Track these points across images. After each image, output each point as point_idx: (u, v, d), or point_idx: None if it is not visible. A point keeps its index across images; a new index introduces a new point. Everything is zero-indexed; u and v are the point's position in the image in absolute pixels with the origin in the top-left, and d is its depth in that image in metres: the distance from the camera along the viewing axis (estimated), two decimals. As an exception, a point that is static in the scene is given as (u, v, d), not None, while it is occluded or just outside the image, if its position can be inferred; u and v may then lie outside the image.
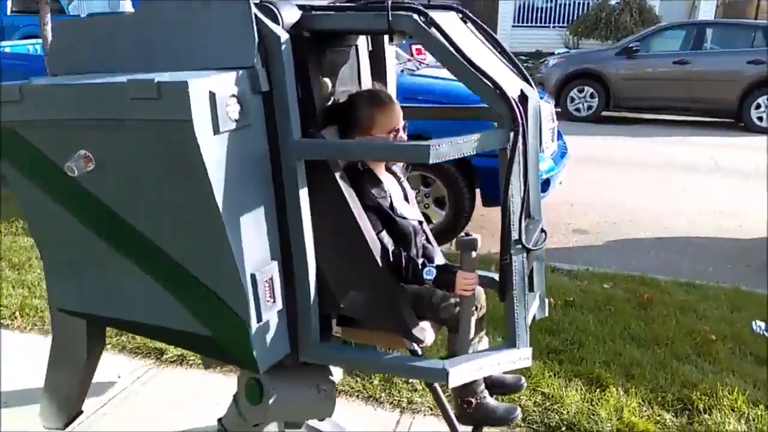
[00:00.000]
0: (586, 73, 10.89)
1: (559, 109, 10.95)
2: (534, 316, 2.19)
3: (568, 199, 6.32)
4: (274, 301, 1.85)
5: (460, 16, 2.05)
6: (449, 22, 1.91)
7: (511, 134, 1.76)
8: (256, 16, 1.72)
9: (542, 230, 2.12)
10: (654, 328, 3.47)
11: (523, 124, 1.75)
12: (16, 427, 2.62)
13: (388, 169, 2.20)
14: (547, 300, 2.34)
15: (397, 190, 2.18)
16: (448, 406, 2.09)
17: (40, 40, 5.15)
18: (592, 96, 10.81)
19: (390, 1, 1.77)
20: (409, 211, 2.15)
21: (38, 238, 2.15)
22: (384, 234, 2.00)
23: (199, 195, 1.68)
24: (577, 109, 10.91)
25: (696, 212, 6.06)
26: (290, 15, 1.80)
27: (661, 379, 2.96)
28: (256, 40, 1.72)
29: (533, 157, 1.99)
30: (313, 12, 1.86)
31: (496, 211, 5.71)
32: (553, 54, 14.37)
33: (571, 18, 19.44)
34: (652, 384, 2.92)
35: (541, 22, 20.19)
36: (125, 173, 1.80)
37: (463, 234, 1.85)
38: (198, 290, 1.83)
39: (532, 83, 2.05)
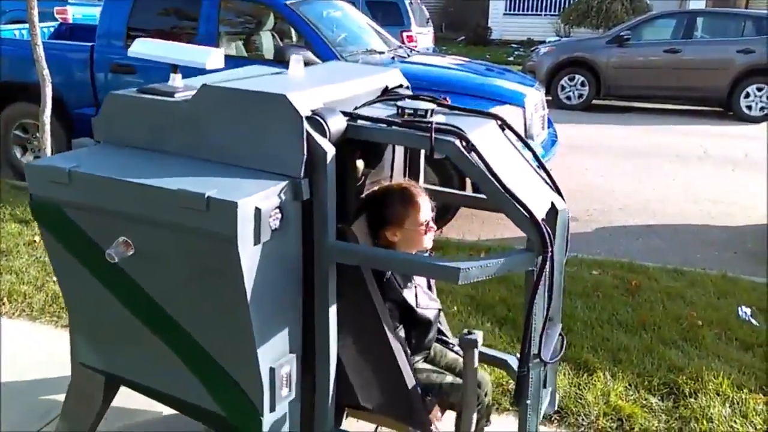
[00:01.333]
0: (576, 61, 10.89)
1: (550, 97, 10.95)
2: (545, 411, 2.28)
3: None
4: (290, 392, 1.94)
5: (499, 123, 2.11)
6: (487, 137, 1.97)
7: (539, 258, 1.80)
8: (306, 130, 1.76)
9: (560, 334, 2.20)
10: (641, 314, 3.50)
11: (551, 250, 1.79)
12: (9, 412, 2.62)
13: None
14: (557, 394, 2.46)
15: (422, 279, 2.26)
16: None
17: (26, 25, 5.10)
18: (582, 84, 10.81)
19: (434, 123, 1.81)
20: (431, 301, 2.23)
21: (68, 298, 2.20)
22: (401, 329, 2.08)
23: (232, 295, 1.74)
24: (568, 97, 10.92)
25: (685, 200, 6.10)
26: (337, 125, 1.83)
27: (648, 363, 2.99)
28: (305, 154, 1.76)
29: (558, 270, 2.07)
30: (359, 122, 1.91)
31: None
32: (544, 42, 14.37)
33: (562, 6, 19.43)
34: (638, 368, 2.95)
35: (532, 11, 20.17)
36: (164, 266, 1.86)
37: (465, 331, 1.90)
38: (219, 374, 1.91)
39: (562, 194, 2.11)
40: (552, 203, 1.99)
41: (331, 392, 1.98)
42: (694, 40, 10.63)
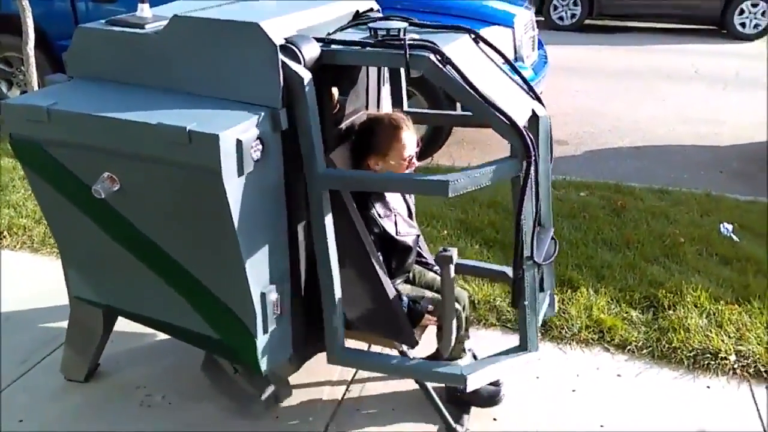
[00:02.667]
0: (569, -20, 10.66)
1: (542, 18, 10.77)
2: (545, 315, 2.40)
3: (549, 110, 6.33)
4: (281, 314, 2.03)
5: (473, 37, 2.12)
6: (462, 51, 1.97)
7: (524, 164, 1.84)
8: (281, 58, 1.76)
9: (553, 238, 2.26)
10: (626, 233, 3.60)
11: (535, 154, 1.83)
12: (15, 340, 2.73)
13: None
14: (555, 297, 2.55)
15: (402, 207, 2.31)
16: (436, 397, 2.25)
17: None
18: (575, 3, 10.61)
19: (407, 40, 1.82)
20: (410, 228, 2.28)
21: (57, 234, 2.24)
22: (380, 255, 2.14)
23: (220, 225, 1.79)
24: (560, 18, 10.74)
25: (675, 120, 6.13)
26: (311, 52, 1.84)
27: (630, 279, 3.11)
28: (282, 83, 1.77)
29: (544, 175, 2.13)
30: (332, 46, 1.91)
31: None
32: (537, -40, 13.94)
33: None
34: (621, 284, 3.07)
35: (525, -73, 19.48)
36: (150, 199, 1.90)
37: (441, 249, 1.97)
38: (212, 301, 1.99)
39: (542, 100, 2.14)
40: (532, 110, 2.03)
41: (337, 310, 2.07)
42: (689, -44, 10.39)
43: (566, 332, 2.76)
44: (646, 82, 7.44)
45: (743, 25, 10.06)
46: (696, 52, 9.09)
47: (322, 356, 2.58)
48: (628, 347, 2.68)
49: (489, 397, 2.36)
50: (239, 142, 1.70)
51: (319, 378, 2.50)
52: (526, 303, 2.04)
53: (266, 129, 1.79)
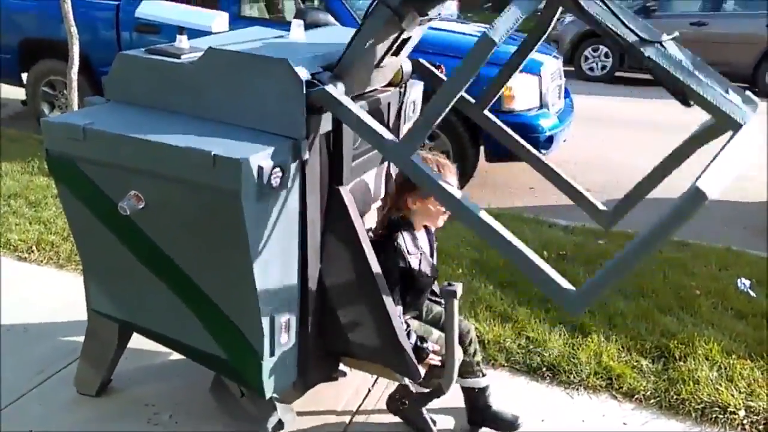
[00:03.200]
0: (601, 32, 10.78)
1: (573, 68, 10.89)
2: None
3: (573, 158, 6.38)
4: (288, 338, 2.10)
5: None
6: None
7: None
8: (306, 93, 1.86)
9: None
10: (641, 282, 3.59)
11: None
12: (34, 351, 2.81)
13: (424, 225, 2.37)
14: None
15: (427, 246, 2.37)
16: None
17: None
18: (606, 56, 10.72)
19: None
20: (431, 269, 2.34)
21: (81, 247, 2.35)
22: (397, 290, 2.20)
23: (236, 247, 1.88)
24: (591, 69, 10.85)
25: (699, 174, 6.10)
26: (335, 90, 1.92)
27: (642, 328, 3.10)
28: (305, 116, 1.88)
29: None
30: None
31: (499, 168, 5.81)
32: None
33: (592, -25, 19.01)
34: (632, 332, 3.06)
35: (561, -21, 19.77)
36: (172, 218, 2.00)
37: (446, 283, 2.02)
38: (222, 321, 2.07)
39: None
40: None
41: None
42: (722, 13, 10.45)
43: (574, 377, 2.75)
44: (674, 136, 7.35)
45: (776, 84, 10.05)
46: (726, 108, 9.07)
47: (328, 384, 2.62)
48: (636, 396, 2.66)
49: (510, 423, 2.39)
50: (260, 168, 1.79)
51: (324, 407, 2.52)
52: None
53: (287, 158, 1.88)
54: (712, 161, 1.54)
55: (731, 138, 1.64)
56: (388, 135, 1.84)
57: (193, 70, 2.02)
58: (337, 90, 1.88)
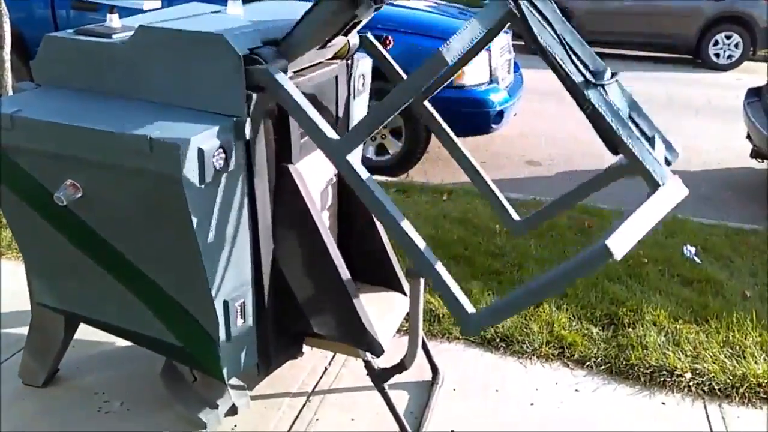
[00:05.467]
0: (550, 6, 10.88)
1: (522, 42, 10.95)
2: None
3: (524, 132, 6.45)
4: (245, 321, 2.05)
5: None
6: None
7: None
8: (245, 69, 1.79)
9: None
10: (591, 252, 3.65)
11: None
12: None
13: None
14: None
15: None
16: (402, 416, 2.27)
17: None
18: (555, 30, 10.82)
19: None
20: None
21: (20, 242, 2.24)
22: None
23: (181, 233, 1.80)
24: (540, 43, 10.93)
25: (645, 145, 6.24)
26: (277, 64, 1.85)
27: (592, 297, 3.16)
28: (245, 93, 1.80)
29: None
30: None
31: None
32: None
33: (540, -51, 19.12)
34: (583, 302, 3.11)
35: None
36: (112, 207, 1.91)
37: (411, 265, 1.99)
38: (174, 309, 2.00)
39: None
40: None
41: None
42: (666, -14, 10.66)
43: (527, 347, 2.79)
44: (621, 108, 7.57)
45: (717, 55, 10.33)
46: (671, 79, 9.30)
47: (281, 368, 2.60)
48: (587, 363, 2.72)
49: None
50: (200, 151, 1.72)
51: (278, 389, 2.50)
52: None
53: (229, 138, 1.81)
54: (625, 219, 1.66)
55: (648, 197, 1.75)
56: (327, 129, 1.80)
57: (124, 50, 1.93)
58: (278, 71, 1.82)
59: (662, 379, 2.63)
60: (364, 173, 1.78)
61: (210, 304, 1.92)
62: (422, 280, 2.01)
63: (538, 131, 6.51)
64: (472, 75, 4.97)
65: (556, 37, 1.70)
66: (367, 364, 2.23)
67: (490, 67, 5.13)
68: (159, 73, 1.90)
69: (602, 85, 1.78)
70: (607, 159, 2.12)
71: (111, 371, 2.57)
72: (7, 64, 4.67)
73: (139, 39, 1.91)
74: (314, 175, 2.26)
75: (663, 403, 2.53)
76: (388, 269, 2.48)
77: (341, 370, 2.62)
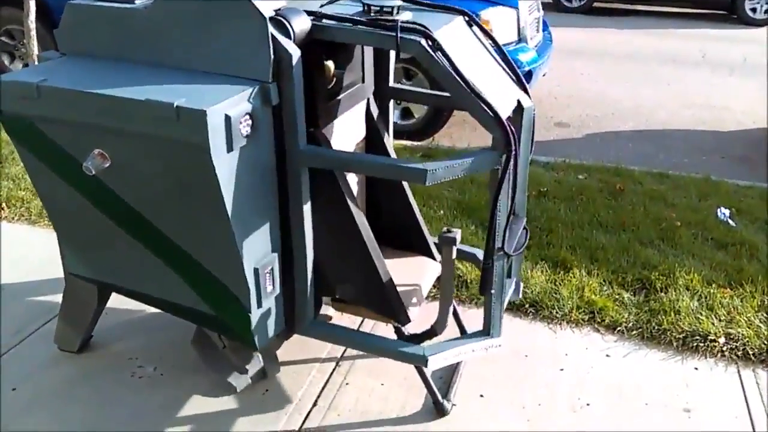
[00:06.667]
0: (579, -39, 10.56)
1: (551, 0, 10.68)
2: (510, 299, 2.43)
3: (552, 92, 6.32)
4: (273, 288, 2.04)
5: (467, 19, 2.10)
6: (454, 35, 1.95)
7: (503, 157, 1.85)
8: (270, 33, 1.75)
9: (524, 228, 2.29)
10: (622, 216, 3.60)
11: (515, 148, 1.83)
12: (10, 311, 2.76)
13: None
14: (521, 283, 2.56)
15: None
16: (431, 381, 2.27)
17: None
18: (584, -14, 10.52)
19: (399, 22, 1.80)
20: None
21: (51, 212, 2.25)
22: None
23: (210, 202, 1.79)
24: (569, 0, 10.64)
25: (678, 105, 6.09)
26: (301, 25, 1.82)
27: (624, 261, 3.11)
28: (271, 57, 1.76)
29: (523, 166, 2.16)
30: (323, 21, 1.88)
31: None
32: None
33: None
34: (614, 266, 3.07)
35: None
36: (140, 175, 1.89)
37: (444, 229, 1.97)
38: (206, 277, 2.00)
39: (529, 90, 2.13)
40: (518, 101, 2.03)
41: (309, 286, 2.10)
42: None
43: (557, 312, 2.77)
44: (651, 67, 7.38)
45: (754, 10, 9.97)
46: (704, 36, 9.01)
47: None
48: (618, 328, 2.69)
49: None
50: (227, 118, 1.69)
51: (308, 355, 2.52)
52: (492, 291, 2.07)
53: (256, 104, 1.78)
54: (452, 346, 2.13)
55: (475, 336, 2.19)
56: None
57: (148, 15, 1.90)
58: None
59: (695, 344, 2.59)
60: None
61: (240, 272, 1.92)
62: (454, 247, 1.98)
63: (567, 91, 6.37)
64: (501, 34, 4.84)
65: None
66: (397, 330, 2.23)
67: (519, 26, 5.00)
68: (183, 38, 1.87)
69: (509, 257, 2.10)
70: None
71: (144, 338, 2.61)
72: (33, 32, 4.68)
73: (162, 3, 1.88)
74: (342, 139, 2.23)
75: (696, 369, 2.50)
76: (417, 234, 2.46)
77: (371, 333, 2.62)
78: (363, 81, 2.30)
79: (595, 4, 10.70)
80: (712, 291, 2.87)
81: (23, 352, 2.54)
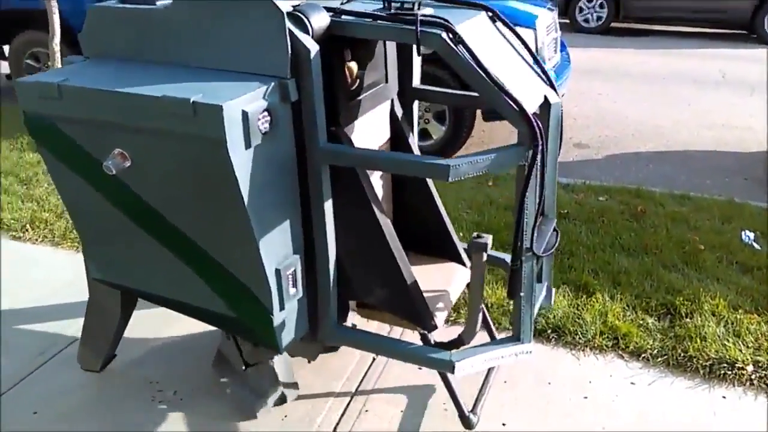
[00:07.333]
0: (596, -18, 10.57)
1: (568, 20, 10.69)
2: (542, 306, 2.35)
3: (571, 113, 6.29)
4: (297, 291, 2.01)
5: (490, 15, 2.07)
6: (476, 29, 1.93)
7: (530, 153, 1.80)
8: (288, 28, 1.75)
9: (555, 230, 2.21)
10: (644, 239, 3.55)
11: (542, 143, 1.79)
12: (32, 333, 2.78)
13: None
14: (553, 289, 2.47)
15: None
16: (455, 388, 2.23)
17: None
18: (601, 6, 10.52)
19: (420, 16, 1.78)
20: None
21: (74, 216, 2.24)
22: None
23: (230, 200, 1.77)
24: (586, 20, 10.65)
25: (699, 126, 6.04)
26: (319, 21, 1.82)
27: (647, 285, 3.07)
28: (290, 52, 1.75)
29: (551, 164, 2.07)
30: (342, 17, 1.88)
31: (496, 126, 5.73)
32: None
33: None
34: (637, 290, 3.03)
35: (553, -72, 19.32)
36: (160, 174, 1.89)
37: (475, 234, 1.92)
38: (227, 279, 1.97)
39: (556, 86, 2.09)
40: (545, 97, 1.98)
41: (332, 289, 2.05)
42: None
43: (580, 338, 2.73)
44: (671, 87, 7.34)
45: (773, 29, 9.89)
46: (723, 56, 8.95)
47: (332, 354, 2.59)
48: (643, 355, 2.64)
49: None
50: (245, 114, 1.68)
51: (327, 381, 2.50)
52: (522, 295, 1.99)
53: (275, 100, 1.76)
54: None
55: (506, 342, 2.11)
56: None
57: (168, 15, 1.90)
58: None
59: (722, 371, 2.54)
60: None
61: (262, 273, 1.89)
62: (485, 253, 1.92)
63: (586, 112, 6.34)
64: (518, 56, 4.86)
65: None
66: (423, 338, 2.16)
67: (536, 46, 4.99)
68: (202, 36, 1.86)
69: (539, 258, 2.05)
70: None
71: (164, 361, 2.61)
72: (57, 55, 4.76)
73: (181, 2, 1.88)
74: (365, 139, 2.18)
75: (724, 397, 2.44)
76: (446, 240, 2.41)
77: (389, 360, 2.60)
78: (386, 81, 2.26)
79: (613, 25, 10.68)
80: (738, 317, 2.82)
81: (45, 375, 2.54)
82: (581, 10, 10.67)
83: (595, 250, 3.41)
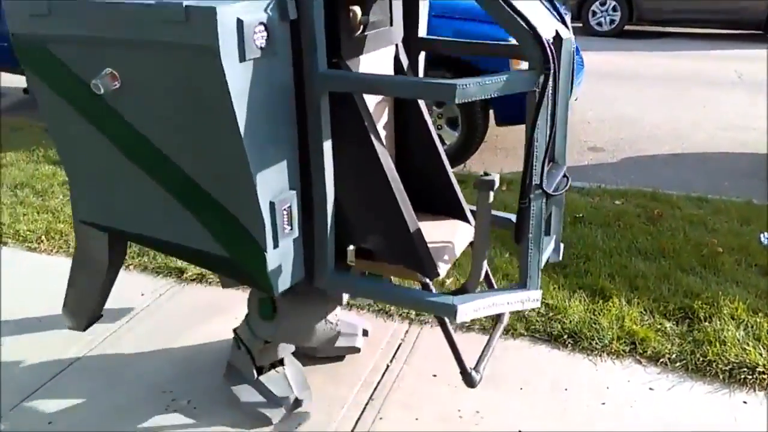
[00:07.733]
0: (608, -15, 10.53)
1: (581, 24, 10.65)
2: (548, 259, 2.24)
3: (585, 117, 6.26)
4: (292, 229, 1.92)
5: None
6: None
7: (542, 78, 1.72)
8: None
9: (565, 176, 2.12)
10: (662, 242, 3.51)
11: (554, 67, 1.71)
12: (47, 342, 2.79)
13: None
14: (561, 244, 2.38)
15: None
16: (455, 340, 2.14)
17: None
18: (614, 9, 10.48)
19: None
20: None
21: (63, 151, 2.18)
22: None
23: (222, 121, 1.70)
24: (599, 24, 10.61)
25: (715, 127, 5.97)
26: None
27: (665, 289, 3.03)
28: None
29: (563, 101, 1.98)
30: None
31: (510, 132, 5.71)
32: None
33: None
34: (655, 294, 2.99)
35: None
36: (150, 93, 1.81)
37: (482, 173, 1.85)
38: (218, 213, 1.89)
39: (569, 25, 2.02)
40: (557, 31, 1.89)
41: (329, 230, 1.97)
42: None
43: (597, 343, 2.69)
44: (686, 89, 7.28)
45: (790, 29, 9.79)
46: (738, 57, 8.87)
47: (345, 362, 2.58)
48: (661, 360, 2.60)
49: None
50: (240, 22, 1.62)
51: (341, 386, 2.49)
52: (530, 236, 1.88)
53: (272, 16, 1.70)
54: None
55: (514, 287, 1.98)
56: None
57: None
58: None
59: (743, 376, 2.49)
60: None
61: (255, 204, 1.81)
62: (491, 192, 1.82)
63: (600, 115, 6.30)
64: (530, 61, 4.83)
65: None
66: (424, 286, 2.05)
67: (549, 51, 4.97)
68: None
69: (549, 196, 1.90)
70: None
71: (178, 370, 2.61)
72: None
73: None
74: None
75: (744, 402, 2.40)
76: (451, 197, 2.32)
77: (403, 368, 2.58)
78: (391, 24, 2.17)
79: (626, 28, 10.63)
80: (758, 320, 2.77)
81: (60, 385, 2.55)
82: (594, 13, 10.63)
83: (611, 254, 3.37)
